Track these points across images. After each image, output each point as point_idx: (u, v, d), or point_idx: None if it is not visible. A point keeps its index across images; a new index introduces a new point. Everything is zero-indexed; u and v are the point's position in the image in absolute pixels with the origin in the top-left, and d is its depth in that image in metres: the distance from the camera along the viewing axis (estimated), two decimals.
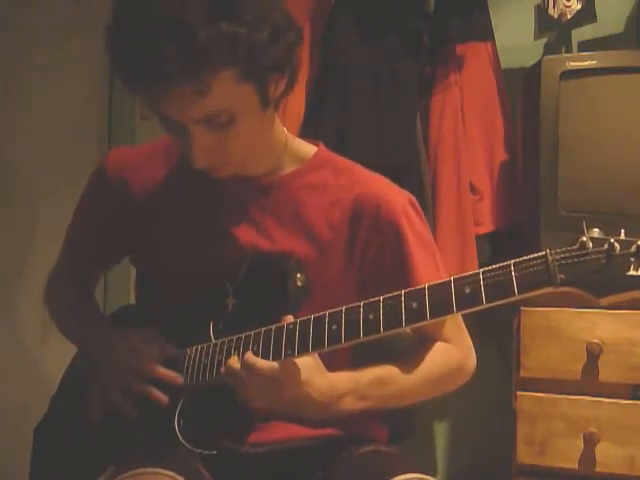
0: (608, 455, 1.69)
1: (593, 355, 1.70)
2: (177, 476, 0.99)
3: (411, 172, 2.06)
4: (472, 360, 1.20)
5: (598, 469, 1.70)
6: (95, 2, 1.93)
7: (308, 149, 1.23)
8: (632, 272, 0.87)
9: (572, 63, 1.82)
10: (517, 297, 0.91)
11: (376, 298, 1.00)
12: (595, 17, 2.14)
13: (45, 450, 1.25)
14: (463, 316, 1.14)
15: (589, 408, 1.72)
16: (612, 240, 0.88)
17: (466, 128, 2.10)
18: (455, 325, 1.19)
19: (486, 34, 2.13)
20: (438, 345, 1.17)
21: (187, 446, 1.07)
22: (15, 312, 2.30)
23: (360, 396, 1.10)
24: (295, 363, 1.04)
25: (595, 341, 1.71)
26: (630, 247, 0.87)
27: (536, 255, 0.91)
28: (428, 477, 1.01)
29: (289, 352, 1.02)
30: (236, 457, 1.10)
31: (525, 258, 0.92)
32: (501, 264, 0.93)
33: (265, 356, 1.03)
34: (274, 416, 1.12)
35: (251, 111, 1.06)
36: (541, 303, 1.76)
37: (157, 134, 1.20)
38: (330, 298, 1.08)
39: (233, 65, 0.99)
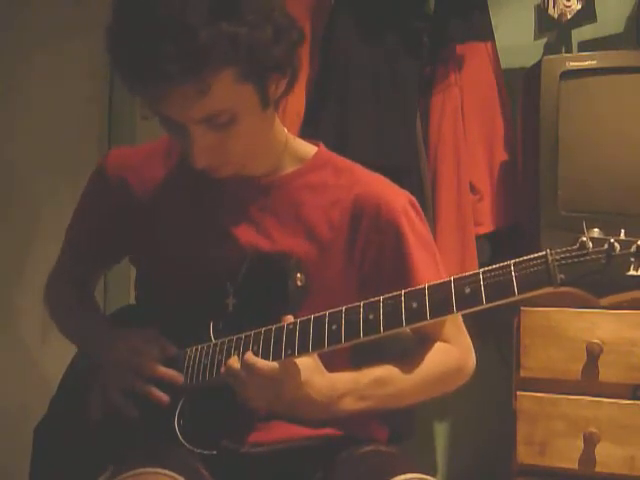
0: (608, 455, 1.69)
1: (593, 355, 1.70)
2: (177, 476, 0.99)
3: (411, 172, 2.06)
4: (472, 360, 1.21)
5: (598, 469, 1.70)
6: (95, 2, 1.93)
7: (308, 149, 1.23)
8: (632, 272, 0.87)
9: (572, 63, 1.82)
10: (517, 297, 0.91)
11: (376, 298, 1.00)
12: (595, 17, 2.14)
13: (45, 450, 1.25)
14: (463, 316, 1.14)
15: (589, 408, 1.72)
16: (612, 240, 0.88)
17: (466, 128, 2.10)
18: (455, 325, 1.19)
19: (486, 34, 2.13)
20: (438, 345, 1.17)
21: (187, 446, 1.07)
22: (15, 312, 2.30)
23: (360, 396, 1.10)
24: (295, 363, 1.04)
25: (595, 341, 1.71)
26: (630, 247, 0.88)
27: (536, 255, 0.91)
28: (428, 477, 1.01)
29: (289, 352, 1.02)
30: (236, 457, 1.10)
31: (525, 258, 0.92)
32: (501, 264, 0.93)
33: (265, 356, 1.03)
34: (274, 416, 1.11)
35: (251, 111, 1.05)
36: (541, 303, 1.76)
37: (157, 134, 1.20)
38: (330, 298, 1.08)
39: (234, 65, 0.99)
